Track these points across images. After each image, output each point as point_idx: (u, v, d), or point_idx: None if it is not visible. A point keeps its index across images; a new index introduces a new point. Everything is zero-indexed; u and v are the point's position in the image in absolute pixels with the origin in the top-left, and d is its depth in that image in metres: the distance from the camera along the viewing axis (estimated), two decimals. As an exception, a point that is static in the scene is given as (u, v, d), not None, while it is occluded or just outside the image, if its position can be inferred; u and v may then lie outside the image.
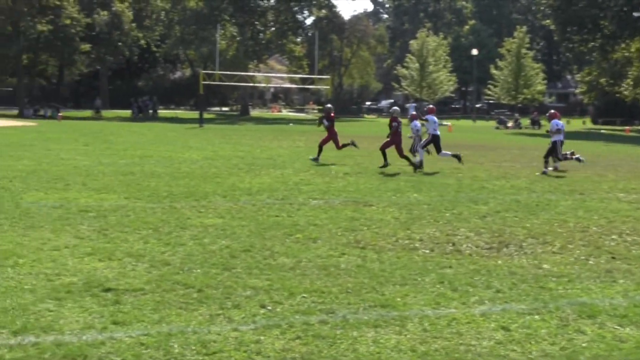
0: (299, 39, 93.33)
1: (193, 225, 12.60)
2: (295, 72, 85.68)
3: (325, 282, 9.06)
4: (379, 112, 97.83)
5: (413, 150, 25.27)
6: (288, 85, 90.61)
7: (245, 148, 30.75)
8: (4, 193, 15.72)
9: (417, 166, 23.13)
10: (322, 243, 11.39)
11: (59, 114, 61.19)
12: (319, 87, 71.65)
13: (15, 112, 68.30)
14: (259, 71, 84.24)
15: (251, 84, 71.74)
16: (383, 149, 23.49)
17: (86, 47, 71.09)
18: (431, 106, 25.83)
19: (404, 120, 24.75)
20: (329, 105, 27.78)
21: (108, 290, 8.41)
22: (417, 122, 25.46)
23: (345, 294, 8.54)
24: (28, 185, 17.05)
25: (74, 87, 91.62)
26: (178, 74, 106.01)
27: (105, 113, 71.63)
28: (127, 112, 73.40)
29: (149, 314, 7.61)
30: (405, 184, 19.49)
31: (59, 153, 25.95)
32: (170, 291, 8.45)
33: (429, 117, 24.40)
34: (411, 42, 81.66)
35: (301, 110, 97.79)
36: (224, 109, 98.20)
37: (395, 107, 25.27)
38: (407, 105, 78.44)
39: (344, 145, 26.33)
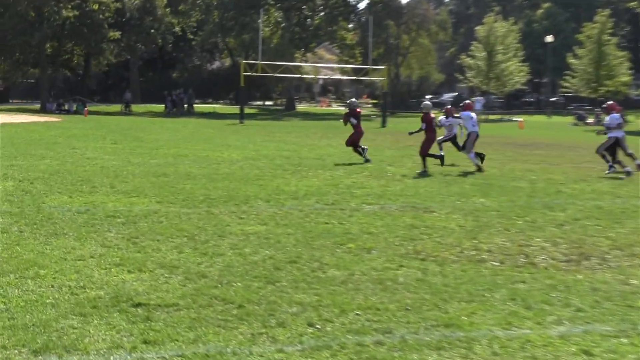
0: (350, 25, 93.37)
1: (233, 233, 12.62)
2: (347, 62, 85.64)
3: (381, 297, 9.00)
4: (440, 106, 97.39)
5: (439, 143, 25.34)
6: (339, 76, 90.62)
7: (290, 147, 30.79)
8: (25, 196, 15.92)
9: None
10: (378, 254, 11.33)
11: (85, 109, 61.95)
12: (373, 78, 71.45)
13: (38, 106, 69.30)
14: (306, 61, 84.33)
15: (298, 76, 71.92)
16: (429, 154, 23.48)
17: (115, 34, 71.81)
18: (468, 102, 25.82)
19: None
20: (353, 100, 27.61)
21: (138, 305, 8.43)
22: (452, 118, 25.47)
23: (403, 312, 8.47)
24: (51, 188, 17.24)
25: (101, 79, 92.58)
26: (216, 65, 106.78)
27: (136, 107, 72.35)
28: (160, 107, 74.08)
29: (184, 333, 7.61)
30: (470, 187, 19.34)
31: (84, 152, 26.24)
32: (207, 307, 8.45)
33: (464, 113, 24.45)
34: (477, 28, 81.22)
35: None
36: (268, 103, 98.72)
37: (427, 102, 25.20)
38: (473, 99, 78.04)
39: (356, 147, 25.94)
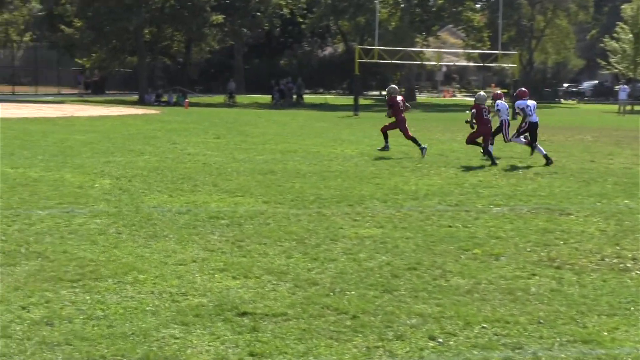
0: (478, 5, 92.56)
1: (346, 236, 12.73)
2: (474, 47, 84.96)
3: (510, 309, 8.98)
4: (580, 96, 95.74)
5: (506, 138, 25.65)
6: (464, 63, 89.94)
7: (410, 142, 30.75)
8: (122, 195, 16.34)
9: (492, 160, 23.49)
10: (507, 261, 11.29)
11: (186, 100, 62.91)
12: (503, 65, 70.80)
13: (135, 97, 70.65)
14: (428, 46, 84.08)
15: (418, 62, 71.71)
16: (485, 145, 24.06)
17: (218, 18, 72.52)
18: (523, 89, 25.71)
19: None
20: (393, 86, 27.53)
21: (244, 314, 8.59)
22: (504, 103, 25.92)
23: (535, 325, 8.43)
24: (150, 186, 17.65)
25: (203, 68, 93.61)
26: (328, 51, 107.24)
27: (240, 98, 73.20)
28: (267, 98, 74.79)
29: (293, 345, 7.73)
30: (613, 187, 19.04)
31: (185, 147, 26.74)
32: (318, 317, 8.56)
33: (518, 102, 24.82)
34: (624, 6, 79.56)
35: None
36: (385, 93, 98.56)
37: (481, 93, 25.59)
38: (617, 87, 76.47)
39: (389, 131, 26.30)
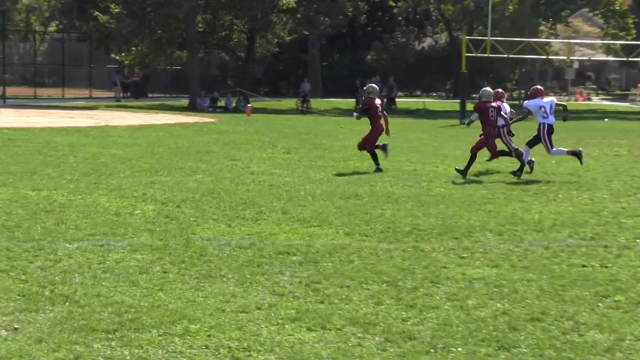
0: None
1: (450, 278, 12.69)
2: (615, 37, 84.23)
3: (662, 373, 8.89)
4: None
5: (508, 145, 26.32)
6: (602, 57, 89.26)
7: (533, 157, 30.56)
8: (169, 224, 16.45)
9: (521, 168, 24.69)
10: (658, 311, 11.17)
11: (248, 105, 63.04)
12: (652, 59, 70.06)
13: (185, 102, 70.90)
14: (555, 36, 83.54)
15: (543, 57, 71.24)
16: (497, 152, 25.58)
17: (290, 1, 72.49)
18: (538, 87, 25.82)
19: None
20: (372, 85, 27.78)
21: (321, 375, 8.61)
22: (505, 105, 26.78)
23: (695, 394, 8.34)
24: (203, 213, 17.76)
25: (270, 64, 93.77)
26: (427, 42, 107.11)
27: (316, 103, 73.26)
28: (350, 102, 74.85)
29: (384, 414, 7.73)
30: None
31: (247, 164, 26.85)
32: (415, 380, 8.55)
33: (530, 102, 25.42)
34: None
35: (623, 98, 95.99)
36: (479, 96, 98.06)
37: (486, 88, 26.09)
38: None
39: (376, 148, 26.83)
